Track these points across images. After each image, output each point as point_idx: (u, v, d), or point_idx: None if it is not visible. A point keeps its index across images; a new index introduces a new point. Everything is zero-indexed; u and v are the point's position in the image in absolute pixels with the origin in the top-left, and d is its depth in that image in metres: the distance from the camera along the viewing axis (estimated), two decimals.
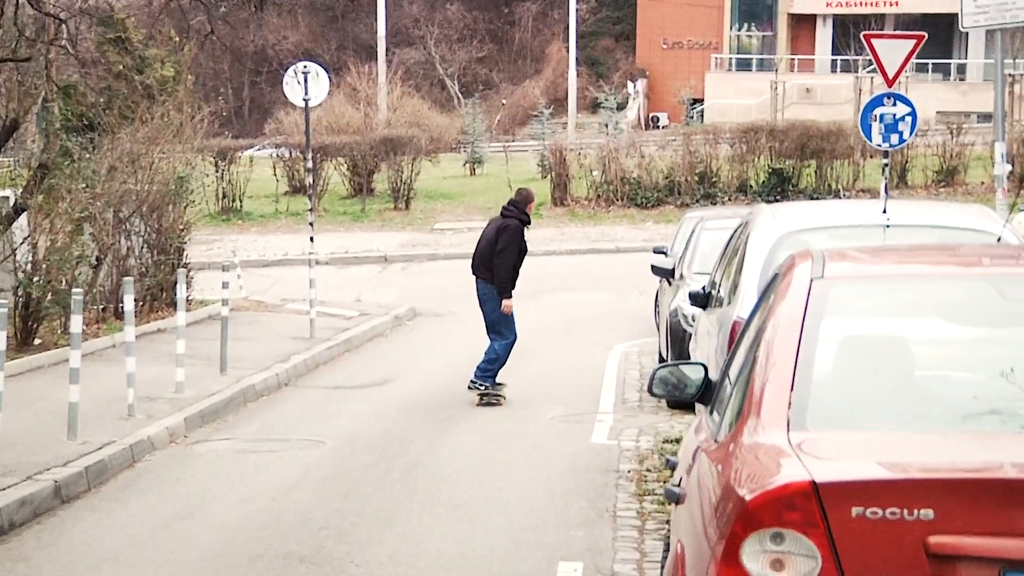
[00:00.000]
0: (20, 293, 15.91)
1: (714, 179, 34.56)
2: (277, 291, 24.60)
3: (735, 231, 9.65)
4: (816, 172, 34.69)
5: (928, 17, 53.77)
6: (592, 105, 57.51)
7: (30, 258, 16.28)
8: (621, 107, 53.74)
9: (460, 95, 60.16)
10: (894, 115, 15.02)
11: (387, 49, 56.02)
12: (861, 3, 58.74)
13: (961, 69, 57.96)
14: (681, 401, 6.52)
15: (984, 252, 5.66)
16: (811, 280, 4.60)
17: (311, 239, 19.43)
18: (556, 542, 8.46)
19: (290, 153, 36.98)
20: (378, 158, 36.64)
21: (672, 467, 5.50)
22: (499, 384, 13.92)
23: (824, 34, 60.51)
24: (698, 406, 5.88)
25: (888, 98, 15.16)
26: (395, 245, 31.86)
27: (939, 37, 52.12)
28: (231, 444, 11.96)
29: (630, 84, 60.28)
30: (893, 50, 15.65)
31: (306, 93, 18.26)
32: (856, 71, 50.93)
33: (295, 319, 20.04)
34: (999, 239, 7.45)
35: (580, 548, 8.31)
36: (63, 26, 23.45)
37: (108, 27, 25.24)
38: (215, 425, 12.86)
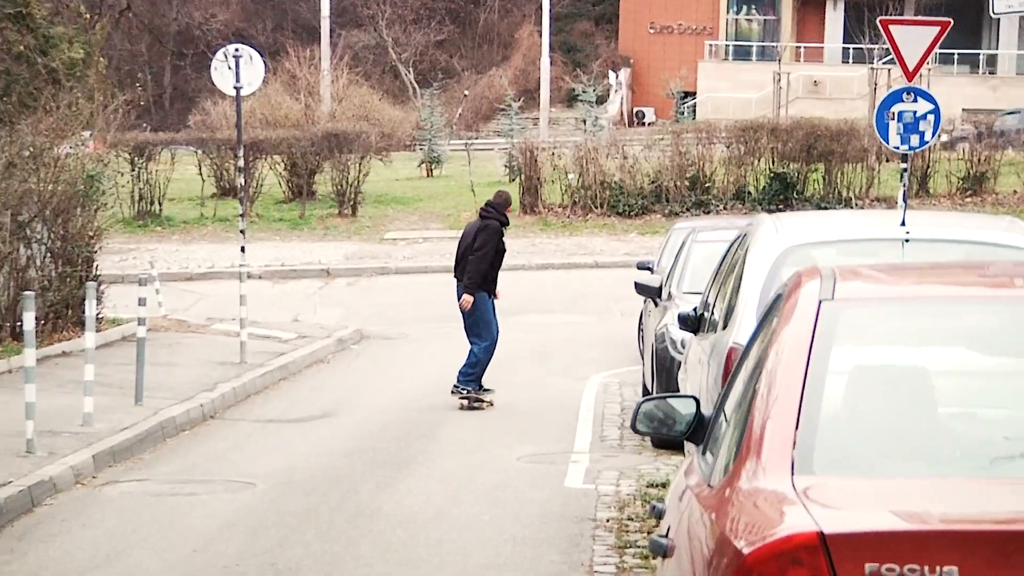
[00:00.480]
0: None
1: (707, 184, 34.70)
2: (202, 309, 24.51)
3: (731, 244, 9.70)
4: (824, 178, 34.89)
5: (954, 1, 54.22)
6: (568, 98, 57.68)
7: None
8: (601, 100, 53.94)
9: (416, 84, 60.23)
10: (914, 113, 15.13)
11: (331, 31, 56.06)
12: None
13: (991, 61, 58.48)
14: (669, 440, 6.54)
15: (1017, 271, 5.70)
16: (819, 302, 4.63)
17: (242, 249, 19.40)
18: None
19: (218, 150, 36.92)
20: (320, 156, 36.62)
21: (658, 515, 5.52)
22: (485, 389, 15.46)
23: (835, 19, 60.92)
24: (688, 445, 5.90)
25: (908, 93, 15.28)
26: (339, 257, 31.83)
27: (966, 24, 52.59)
28: (147, 486, 11.89)
29: (612, 74, 60.53)
30: (914, 38, 15.77)
31: (237, 80, 18.24)
32: (871, 62, 51.30)
33: (223, 342, 19.99)
34: None
35: None
36: None
37: (6, 1, 25.15)
38: (128, 464, 12.79)
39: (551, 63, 56.87)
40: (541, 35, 57.01)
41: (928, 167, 35.25)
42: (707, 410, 5.38)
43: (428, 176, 43.19)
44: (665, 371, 13.31)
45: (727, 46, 62.05)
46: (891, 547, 3.68)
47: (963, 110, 45.77)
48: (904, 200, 15.20)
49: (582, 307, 25.18)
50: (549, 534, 10.08)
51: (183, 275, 29.51)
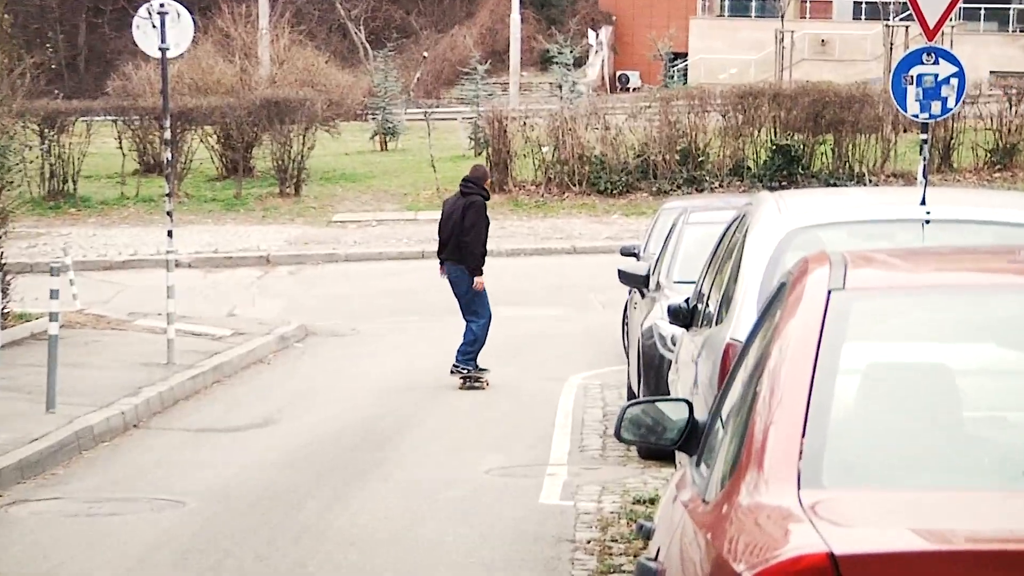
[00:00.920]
0: None
1: (701, 159, 34.77)
2: (123, 302, 24.45)
3: (728, 227, 9.73)
4: (833, 150, 35.00)
5: None
6: (541, 60, 57.67)
7: None
8: (579, 63, 53.97)
9: (367, 45, 60.14)
10: (935, 76, 15.20)
11: None
12: None
13: (1023, 17, 58.68)
14: (658, 449, 6.56)
15: None
16: (828, 292, 4.65)
17: (169, 233, 19.33)
18: None
19: (141, 120, 36.81)
20: (259, 127, 36.55)
21: (646, 535, 5.55)
22: (482, 369, 16.92)
23: None
24: (680, 456, 5.92)
25: (928, 54, 15.34)
26: (280, 242, 31.79)
27: None
28: (61, 505, 11.87)
29: (591, 33, 60.55)
30: None
31: (163, 40, 18.19)
32: (886, 18, 51.47)
33: (148, 339, 19.95)
34: None
35: None
36: None
37: None
38: (39, 480, 12.77)
39: (522, 20, 56.83)
40: None
41: (951, 138, 35.37)
42: (701, 415, 5.40)
43: (382, 150, 43.14)
44: (653, 371, 13.34)
45: (722, 1, 62.13)
46: (910, 569, 3.71)
47: (991, 72, 45.92)
48: (924, 176, 15.27)
49: (558, 298, 25.20)
50: (522, 557, 10.11)
51: (101, 263, 29.42)
